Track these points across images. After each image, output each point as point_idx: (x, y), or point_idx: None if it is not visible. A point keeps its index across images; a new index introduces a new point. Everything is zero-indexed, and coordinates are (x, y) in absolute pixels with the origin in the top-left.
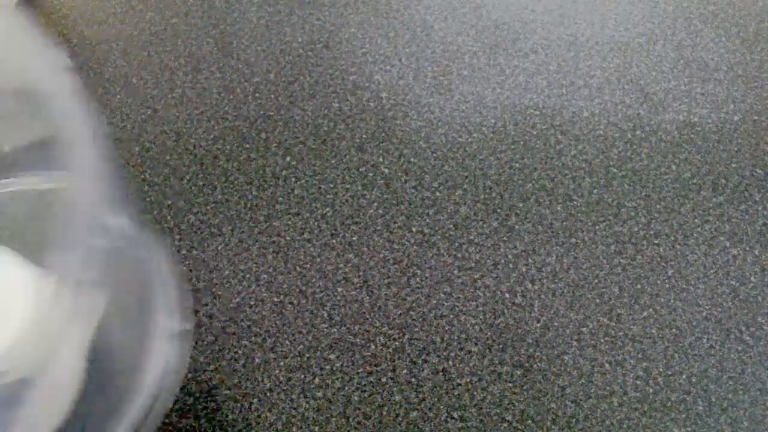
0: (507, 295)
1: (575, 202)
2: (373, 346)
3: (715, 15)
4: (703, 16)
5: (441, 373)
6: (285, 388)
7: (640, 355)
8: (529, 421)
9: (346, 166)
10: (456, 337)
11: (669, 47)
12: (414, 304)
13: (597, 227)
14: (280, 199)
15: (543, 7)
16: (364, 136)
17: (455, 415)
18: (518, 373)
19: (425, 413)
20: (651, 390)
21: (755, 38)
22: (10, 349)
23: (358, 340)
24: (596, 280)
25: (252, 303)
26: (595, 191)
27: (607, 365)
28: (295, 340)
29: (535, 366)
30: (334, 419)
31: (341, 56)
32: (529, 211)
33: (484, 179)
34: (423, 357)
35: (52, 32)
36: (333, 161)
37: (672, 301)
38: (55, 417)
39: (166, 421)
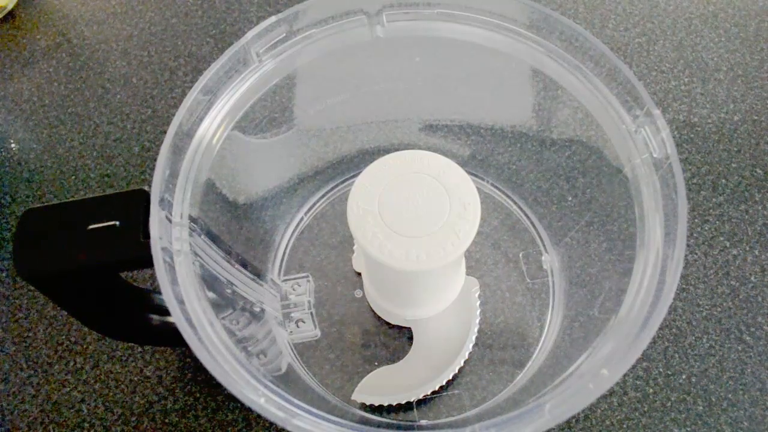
0: (507, 294)
1: (568, 203)
2: (373, 346)
3: (715, 15)
4: (703, 16)
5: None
6: None
7: (640, 355)
8: None
9: None
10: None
11: (669, 47)
12: None
13: (591, 227)
14: None
15: None
16: None
17: (454, 413)
18: (518, 372)
19: (426, 413)
20: (651, 390)
21: (755, 38)
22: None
23: (357, 339)
24: (590, 279)
25: None
26: (588, 191)
27: None
28: None
29: (535, 365)
30: None
31: None
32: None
33: None
34: None
35: (52, 32)
36: None
37: (672, 300)
38: None
39: (166, 421)
